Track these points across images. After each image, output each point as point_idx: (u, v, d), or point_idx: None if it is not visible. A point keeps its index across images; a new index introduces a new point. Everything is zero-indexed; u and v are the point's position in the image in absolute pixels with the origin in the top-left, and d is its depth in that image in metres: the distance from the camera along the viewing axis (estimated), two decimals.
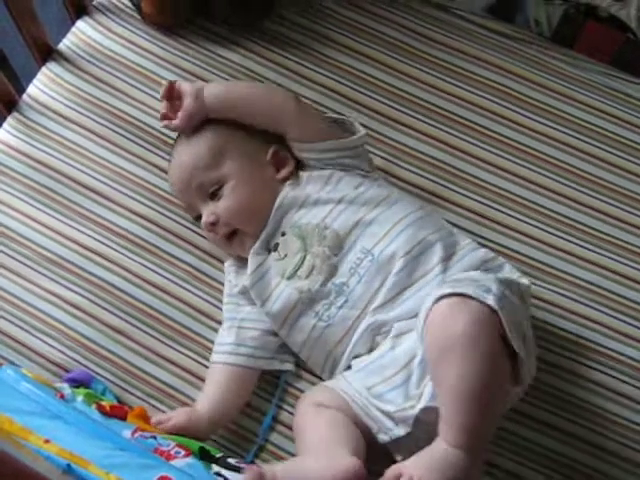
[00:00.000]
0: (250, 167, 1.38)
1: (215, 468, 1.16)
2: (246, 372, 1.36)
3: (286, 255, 1.34)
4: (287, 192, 1.37)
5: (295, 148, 1.40)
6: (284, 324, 1.34)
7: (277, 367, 1.38)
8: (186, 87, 1.39)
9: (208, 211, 1.37)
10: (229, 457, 1.23)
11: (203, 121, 1.40)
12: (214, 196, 1.37)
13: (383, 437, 1.23)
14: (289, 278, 1.33)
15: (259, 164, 1.39)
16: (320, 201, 1.35)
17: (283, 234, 1.36)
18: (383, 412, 1.22)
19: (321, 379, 1.37)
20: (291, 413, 1.36)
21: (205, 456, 1.20)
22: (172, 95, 1.40)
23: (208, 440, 1.33)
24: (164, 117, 1.41)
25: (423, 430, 1.18)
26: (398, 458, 1.23)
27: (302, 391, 1.38)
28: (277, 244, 1.36)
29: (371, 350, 1.29)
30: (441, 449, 1.12)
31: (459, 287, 1.16)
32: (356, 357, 1.30)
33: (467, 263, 1.30)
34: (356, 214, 1.33)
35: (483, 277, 1.23)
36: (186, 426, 1.29)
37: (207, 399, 1.34)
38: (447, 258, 1.29)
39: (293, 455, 1.34)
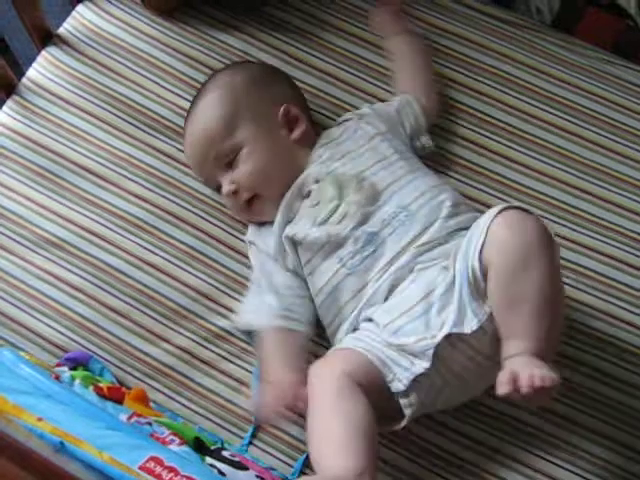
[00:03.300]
0: (263, 130, 1.41)
1: (209, 460, 1.17)
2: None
3: (319, 202, 1.34)
4: (314, 162, 1.39)
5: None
6: (309, 263, 1.34)
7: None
8: None
9: (228, 180, 1.39)
10: (223, 449, 1.24)
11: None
12: (231, 164, 1.39)
13: (398, 385, 1.20)
14: (320, 224, 1.32)
15: (271, 126, 1.42)
16: (361, 156, 1.37)
17: (317, 181, 1.36)
18: (400, 347, 1.21)
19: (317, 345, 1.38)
20: None
21: (199, 447, 1.21)
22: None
23: (204, 429, 1.35)
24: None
25: (439, 374, 1.19)
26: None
27: None
28: (310, 191, 1.36)
29: (386, 299, 1.28)
30: (525, 357, 1.12)
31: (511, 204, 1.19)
32: (371, 306, 1.28)
33: None
34: (395, 173, 1.35)
35: None
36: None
37: (282, 367, 1.29)
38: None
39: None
